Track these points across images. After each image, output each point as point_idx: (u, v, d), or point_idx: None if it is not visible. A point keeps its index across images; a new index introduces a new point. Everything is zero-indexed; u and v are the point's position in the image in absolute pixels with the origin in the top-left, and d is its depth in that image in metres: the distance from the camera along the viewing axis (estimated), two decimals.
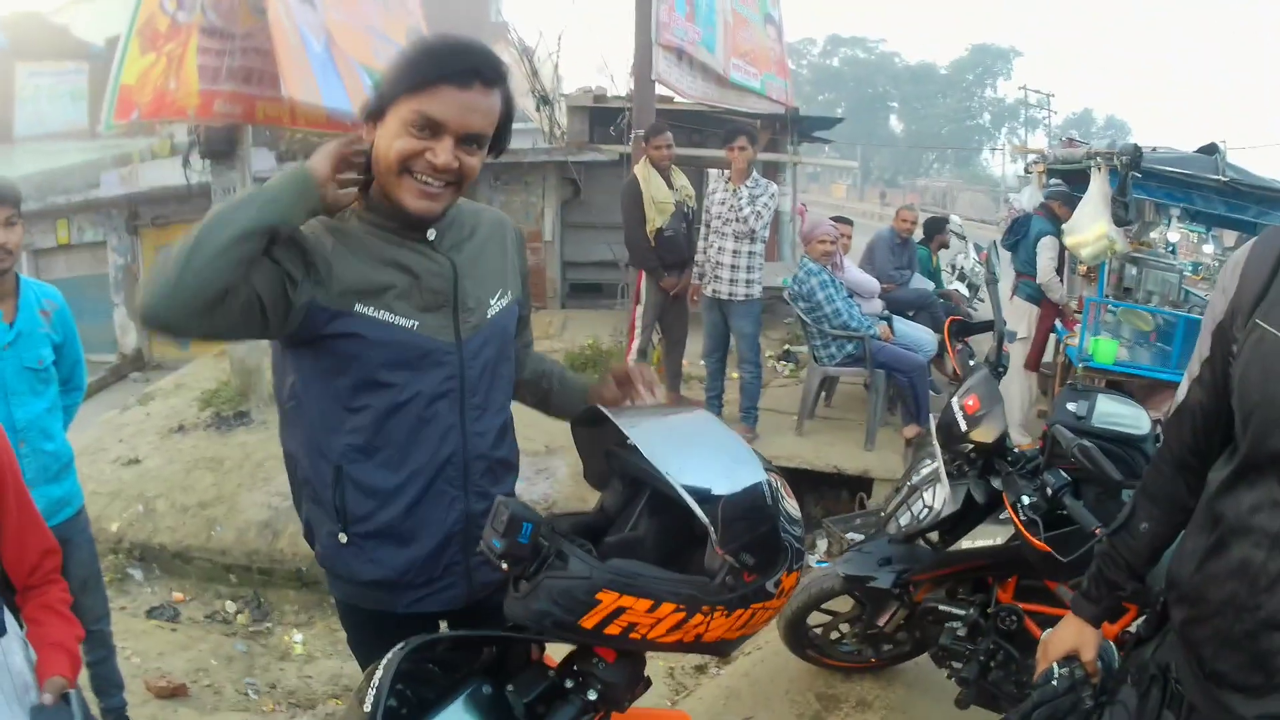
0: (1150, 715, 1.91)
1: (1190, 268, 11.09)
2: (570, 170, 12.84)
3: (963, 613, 3.82)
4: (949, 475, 3.68)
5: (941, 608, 3.88)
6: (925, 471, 3.86)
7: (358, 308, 2.10)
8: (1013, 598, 3.75)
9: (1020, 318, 8.32)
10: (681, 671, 5.13)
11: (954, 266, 11.82)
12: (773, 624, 4.33)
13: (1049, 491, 3.38)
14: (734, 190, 7.17)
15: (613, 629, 1.73)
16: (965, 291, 11.49)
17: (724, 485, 1.74)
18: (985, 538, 3.59)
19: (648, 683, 1.99)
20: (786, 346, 10.32)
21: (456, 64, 2.00)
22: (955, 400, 3.71)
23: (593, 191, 13.10)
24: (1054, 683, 2.09)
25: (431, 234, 2.20)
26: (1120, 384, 6.94)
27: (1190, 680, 1.83)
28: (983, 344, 4.23)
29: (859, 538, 4.43)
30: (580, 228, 13.01)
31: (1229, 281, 1.83)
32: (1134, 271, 8.79)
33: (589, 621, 1.72)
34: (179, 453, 8.24)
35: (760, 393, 7.82)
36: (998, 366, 3.89)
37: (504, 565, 1.76)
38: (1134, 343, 7.63)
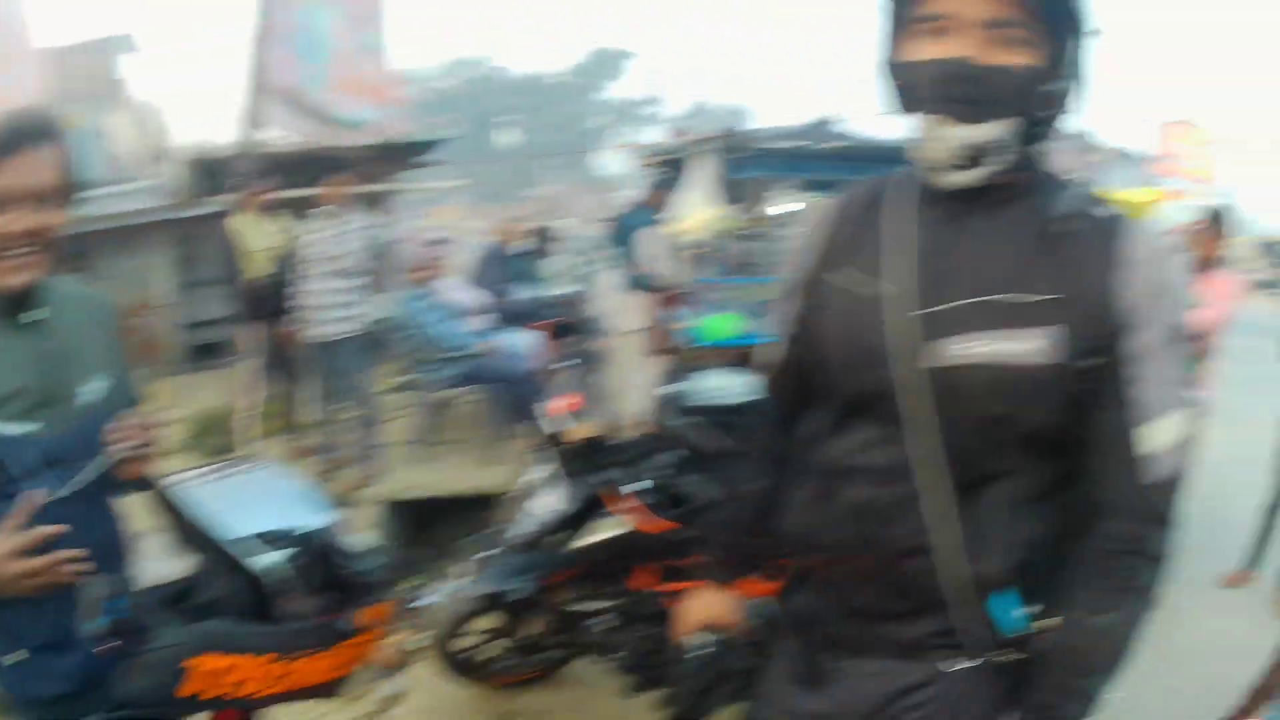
0: (808, 659, 1.93)
1: None
2: (184, 227, 12.19)
3: (603, 606, 3.86)
4: (558, 476, 3.70)
5: (579, 608, 3.91)
6: (534, 476, 3.87)
7: None
8: (653, 581, 3.80)
9: (635, 310, 8.48)
10: None
11: (569, 270, 12.05)
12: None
13: (664, 472, 3.46)
14: (329, 227, 6.99)
15: (210, 693, 1.70)
16: (580, 292, 11.71)
17: (277, 529, 1.74)
18: (606, 530, 3.64)
19: None
20: (403, 377, 10.23)
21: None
22: (550, 401, 3.73)
23: (208, 247, 12.30)
24: (694, 654, 2.09)
25: (30, 316, 2.01)
26: (748, 355, 7.08)
27: (839, 619, 1.87)
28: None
29: (492, 553, 4.39)
30: (199, 286, 12.30)
31: (808, 239, 1.90)
32: (752, 247, 9.06)
33: (185, 690, 1.68)
34: None
35: (378, 428, 7.66)
36: (592, 363, 3.95)
37: (108, 645, 1.71)
38: (756, 313, 7.84)
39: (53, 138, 1.96)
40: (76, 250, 11.21)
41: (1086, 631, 1.66)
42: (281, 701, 1.84)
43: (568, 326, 4.29)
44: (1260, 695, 4.24)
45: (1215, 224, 5.69)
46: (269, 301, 7.31)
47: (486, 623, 4.29)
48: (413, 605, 6.58)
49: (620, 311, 8.57)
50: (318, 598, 1.77)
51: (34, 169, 1.90)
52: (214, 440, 8.43)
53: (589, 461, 3.69)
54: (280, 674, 1.74)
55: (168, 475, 1.86)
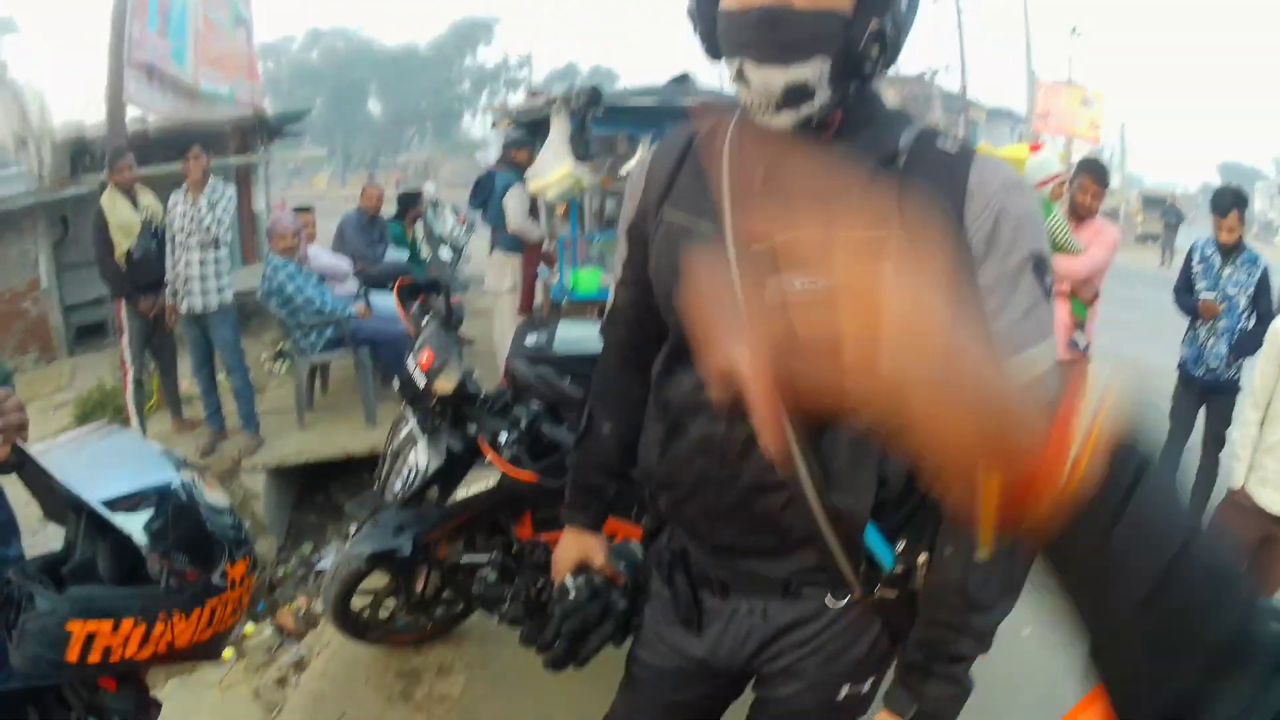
0: (685, 598, 1.95)
1: None
2: (59, 209, 11.94)
3: (486, 558, 3.92)
4: (425, 432, 3.74)
5: (465, 560, 3.98)
6: (403, 433, 3.89)
7: None
8: (533, 531, 3.88)
9: (504, 270, 8.46)
10: (267, 689, 4.98)
11: (431, 232, 11.97)
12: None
13: (524, 424, 3.53)
14: (193, 200, 6.91)
15: (94, 656, 1.71)
16: (450, 255, 11.70)
17: (135, 491, 1.77)
18: (478, 483, 3.70)
19: (158, 705, 1.99)
20: (279, 345, 10.13)
21: None
22: (410, 358, 3.78)
23: (85, 227, 11.95)
24: (571, 595, 2.10)
25: None
26: None
27: (706, 557, 1.91)
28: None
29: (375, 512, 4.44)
30: (78, 267, 11.96)
31: (637, 183, 1.90)
32: (615, 204, 9.06)
33: (71, 655, 1.69)
34: None
35: (255, 397, 7.65)
36: (449, 318, 3.99)
37: None
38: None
39: None
40: None
41: (962, 568, 1.64)
42: (164, 663, 1.87)
43: (417, 285, 4.31)
44: None
45: (1091, 174, 5.84)
46: (136, 278, 7.19)
47: (376, 582, 4.32)
48: (308, 571, 6.64)
49: (489, 270, 8.58)
50: (183, 555, 1.79)
51: None
52: (101, 419, 8.31)
53: (456, 414, 3.74)
54: (156, 635, 1.77)
55: (29, 447, 1.89)
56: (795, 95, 1.56)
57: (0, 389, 1.91)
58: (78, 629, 1.70)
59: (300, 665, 5.05)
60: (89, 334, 11.96)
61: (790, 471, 1.64)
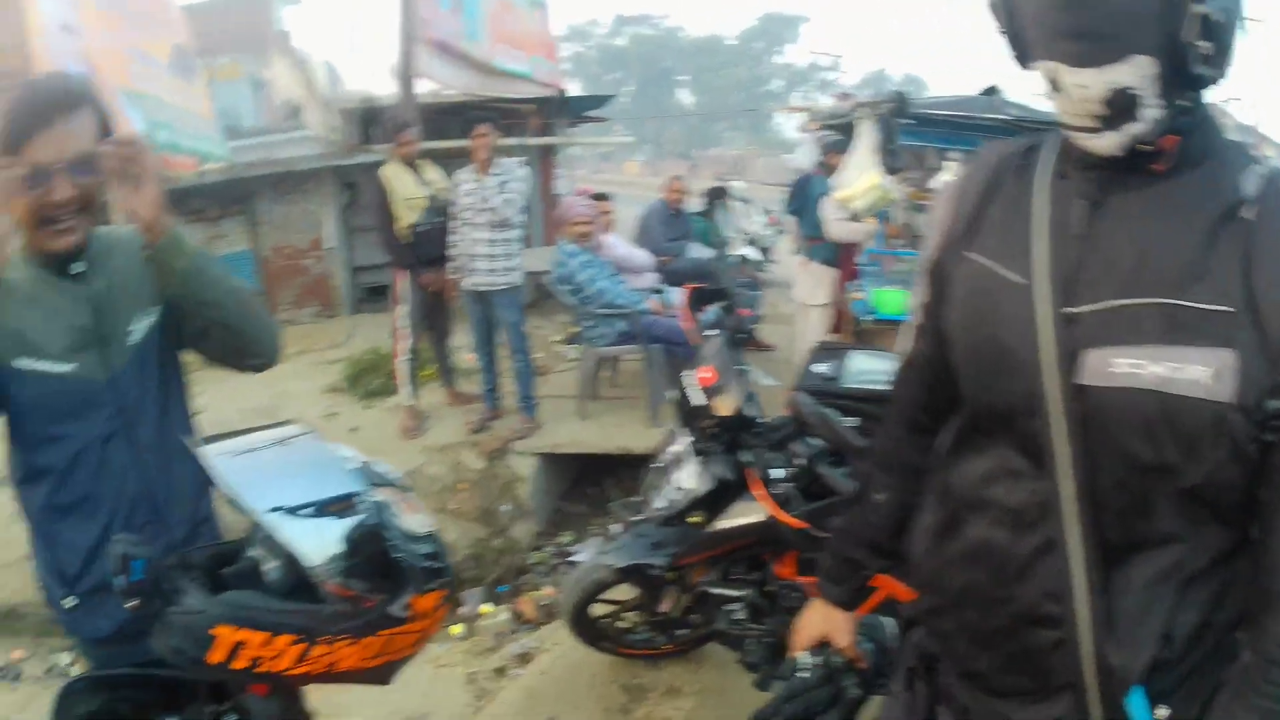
0: (921, 713, 1.74)
1: None
2: (347, 174, 12.46)
3: (739, 594, 3.69)
4: (696, 453, 3.54)
5: (716, 591, 3.75)
6: (674, 450, 3.71)
7: (16, 363, 2.06)
8: (795, 572, 3.59)
9: (818, 284, 8.16)
10: (484, 676, 4.94)
11: (742, 231, 11.82)
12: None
13: (803, 462, 3.27)
14: (480, 179, 6.92)
15: (239, 663, 1.67)
16: (758, 255, 11.51)
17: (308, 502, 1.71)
18: (744, 515, 3.45)
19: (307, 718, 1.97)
20: (571, 329, 10.19)
21: (32, 116, 1.95)
22: (690, 373, 3.57)
23: (369, 195, 12.50)
24: (802, 674, 1.89)
25: (79, 267, 2.14)
26: None
27: (954, 678, 1.66)
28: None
29: (634, 521, 4.27)
30: (367, 231, 12.56)
31: (941, 214, 1.65)
32: (923, 217, 8.67)
33: (214, 657, 1.65)
34: None
35: (534, 381, 7.61)
36: (736, 333, 3.76)
37: (130, 603, 1.68)
38: None
39: (82, 104, 2.02)
40: (237, 194, 11.69)
41: None
42: (321, 682, 1.80)
43: (712, 292, 4.08)
44: None
45: None
46: (420, 251, 7.30)
47: (622, 593, 4.16)
48: (562, 561, 6.60)
49: (798, 280, 8.29)
50: (360, 580, 1.71)
51: (67, 138, 1.97)
52: (370, 382, 8.63)
53: (730, 439, 3.51)
54: (315, 655, 1.71)
55: (211, 441, 1.83)
56: (1119, 107, 1.27)
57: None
58: (226, 634, 1.65)
59: (525, 658, 5.00)
60: (375, 296, 12.43)
61: (1082, 605, 1.40)
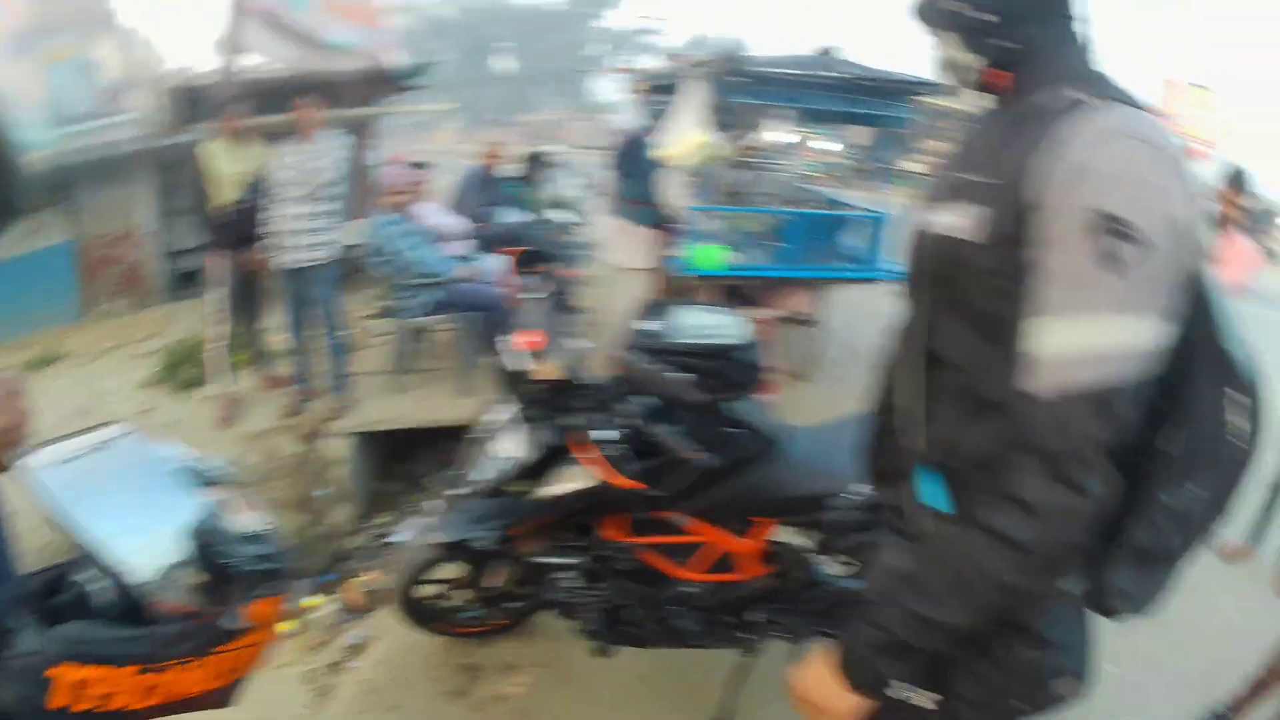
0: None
1: (814, 167, 11.30)
2: (168, 155, 11.78)
3: (570, 561, 3.62)
4: (522, 419, 3.45)
5: (546, 560, 3.66)
6: (497, 418, 3.60)
7: None
8: (627, 533, 3.58)
9: (645, 248, 8.12)
10: (320, 673, 4.77)
11: (558, 196, 11.68)
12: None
13: (634, 422, 3.21)
14: (302, 152, 6.67)
15: (83, 704, 1.48)
16: (573, 219, 11.41)
17: (140, 521, 1.56)
18: (572, 480, 3.38)
19: None
20: (380, 304, 9.93)
21: None
22: (510, 338, 3.45)
23: (189, 175, 12.08)
24: None
25: None
26: (739, 289, 6.88)
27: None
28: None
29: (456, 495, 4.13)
30: (181, 214, 12.04)
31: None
32: (745, 176, 8.67)
33: (56, 701, 1.46)
34: None
35: (349, 358, 7.38)
36: (560, 296, 3.65)
37: None
38: (747, 245, 7.45)
39: None
40: (60, 182, 11.15)
41: (911, 556, 1.60)
42: (163, 714, 1.61)
43: (538, 254, 3.99)
44: (1258, 688, 4.06)
45: (1235, 184, 5.27)
46: (236, 229, 7.02)
47: (449, 571, 4.07)
48: (383, 543, 6.41)
49: (616, 243, 8.22)
50: (195, 595, 1.56)
51: None
52: (186, 373, 8.27)
53: (554, 404, 3.43)
54: (164, 685, 1.55)
55: (25, 455, 1.59)
56: (957, 73, 1.72)
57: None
58: (67, 674, 1.46)
59: (358, 649, 4.84)
60: (188, 281, 11.94)
61: (913, 400, 1.74)
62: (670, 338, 3.19)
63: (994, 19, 1.62)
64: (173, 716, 1.63)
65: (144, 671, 1.51)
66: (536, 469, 3.41)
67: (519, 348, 3.39)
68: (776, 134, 9.76)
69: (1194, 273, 1.50)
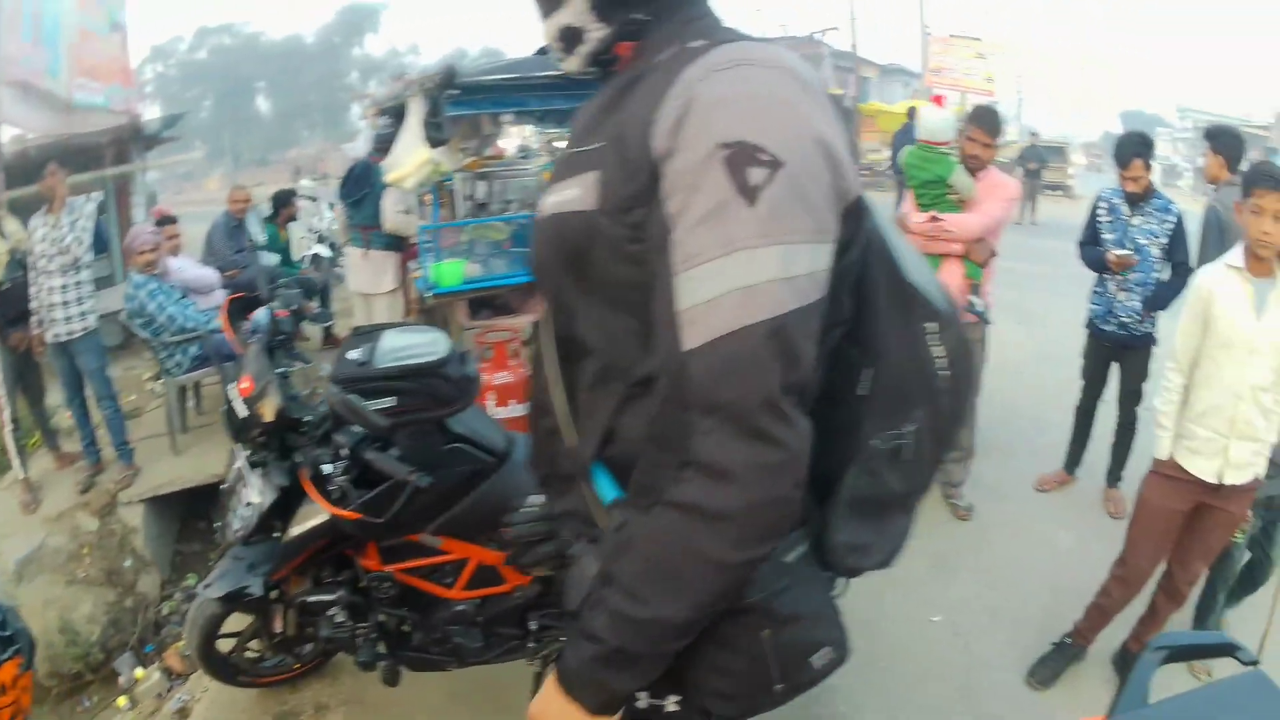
0: None
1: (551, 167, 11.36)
2: None
3: (332, 597, 3.63)
4: (255, 464, 3.46)
5: (312, 599, 3.67)
6: (235, 467, 3.61)
7: None
8: (381, 562, 3.59)
9: (383, 270, 8.14)
10: None
11: (311, 230, 11.58)
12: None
13: (347, 453, 3.25)
14: (54, 221, 6.52)
15: None
16: (328, 253, 11.33)
17: None
18: (309, 518, 3.41)
19: None
20: (152, 367, 9.73)
21: None
22: (230, 386, 3.48)
23: None
24: None
25: None
26: (491, 300, 6.81)
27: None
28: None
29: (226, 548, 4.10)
30: None
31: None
32: (488, 187, 8.70)
33: None
34: None
35: (125, 425, 7.30)
36: (275, 335, 3.66)
37: None
38: (490, 256, 7.33)
39: None
40: None
41: (607, 555, 1.43)
42: None
43: (252, 300, 4.01)
44: (1099, 611, 4.25)
45: (982, 123, 5.51)
46: (6, 310, 6.90)
47: (239, 623, 4.05)
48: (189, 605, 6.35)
49: (357, 270, 8.21)
50: None
51: None
52: None
53: (280, 444, 3.46)
54: None
55: None
56: (567, 39, 1.60)
57: None
58: None
59: (184, 713, 4.80)
60: None
61: (557, 400, 1.64)
62: (374, 363, 3.22)
63: None
64: None
65: None
66: (284, 509, 3.43)
67: (237, 395, 3.41)
68: (516, 140, 9.81)
69: (855, 201, 1.40)
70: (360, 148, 9.58)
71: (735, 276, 1.25)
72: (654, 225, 1.33)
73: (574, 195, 1.45)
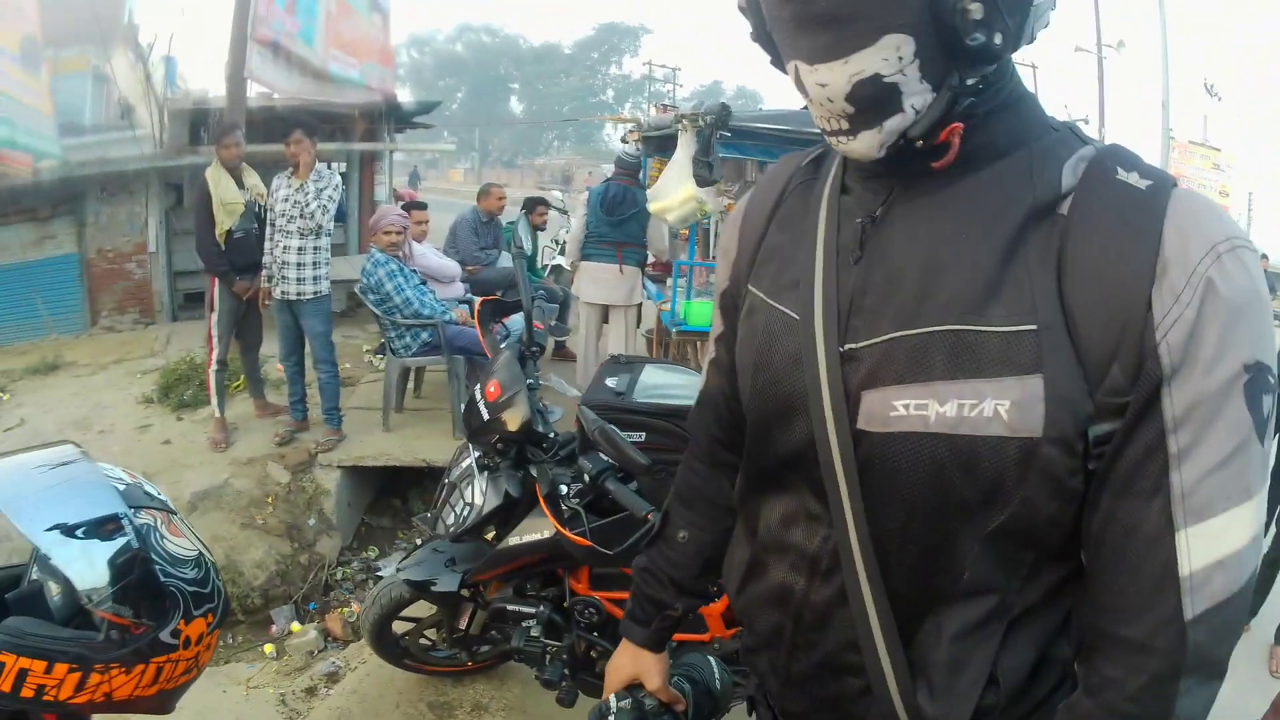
0: None
1: None
2: (174, 176, 12.01)
3: (533, 611, 3.63)
4: (485, 468, 3.48)
5: (511, 608, 3.69)
6: (463, 465, 3.64)
7: None
8: (589, 587, 3.59)
9: (635, 286, 8.16)
10: (294, 697, 4.82)
11: (556, 241, 11.76)
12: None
13: (587, 478, 3.21)
14: (298, 185, 6.76)
15: (26, 691, 1.62)
16: (568, 266, 11.48)
17: (83, 535, 1.66)
18: (533, 531, 3.42)
19: None
20: (376, 343, 10.01)
21: None
22: (477, 387, 3.53)
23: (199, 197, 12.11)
24: (613, 717, 1.69)
25: None
26: None
27: (779, 714, 1.53)
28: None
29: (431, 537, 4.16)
30: (189, 235, 12.08)
31: (729, 241, 1.50)
32: None
33: (4, 685, 1.60)
34: None
35: (340, 392, 7.48)
36: (529, 347, 3.70)
37: None
38: None
39: None
40: (67, 193, 11.20)
41: None
42: (101, 711, 1.72)
43: (502, 306, 4.05)
44: None
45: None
46: (234, 258, 7.10)
47: (422, 610, 4.10)
48: (367, 577, 6.48)
49: (603, 288, 8.30)
50: (127, 606, 1.65)
51: None
52: (184, 392, 8.35)
53: (518, 454, 3.48)
54: (92, 684, 1.65)
55: None
56: (869, 100, 1.06)
57: None
58: (9, 661, 1.59)
59: (334, 677, 4.92)
60: (194, 302, 11.99)
61: (880, 659, 1.24)
62: (631, 396, 3.21)
63: (983, 16, 1.01)
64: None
65: (74, 671, 1.62)
66: (503, 516, 3.46)
67: (482, 396, 3.47)
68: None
69: None
70: (617, 168, 9.70)
71: (1244, 530, 1.04)
72: (1127, 449, 1.06)
73: (995, 413, 1.07)
